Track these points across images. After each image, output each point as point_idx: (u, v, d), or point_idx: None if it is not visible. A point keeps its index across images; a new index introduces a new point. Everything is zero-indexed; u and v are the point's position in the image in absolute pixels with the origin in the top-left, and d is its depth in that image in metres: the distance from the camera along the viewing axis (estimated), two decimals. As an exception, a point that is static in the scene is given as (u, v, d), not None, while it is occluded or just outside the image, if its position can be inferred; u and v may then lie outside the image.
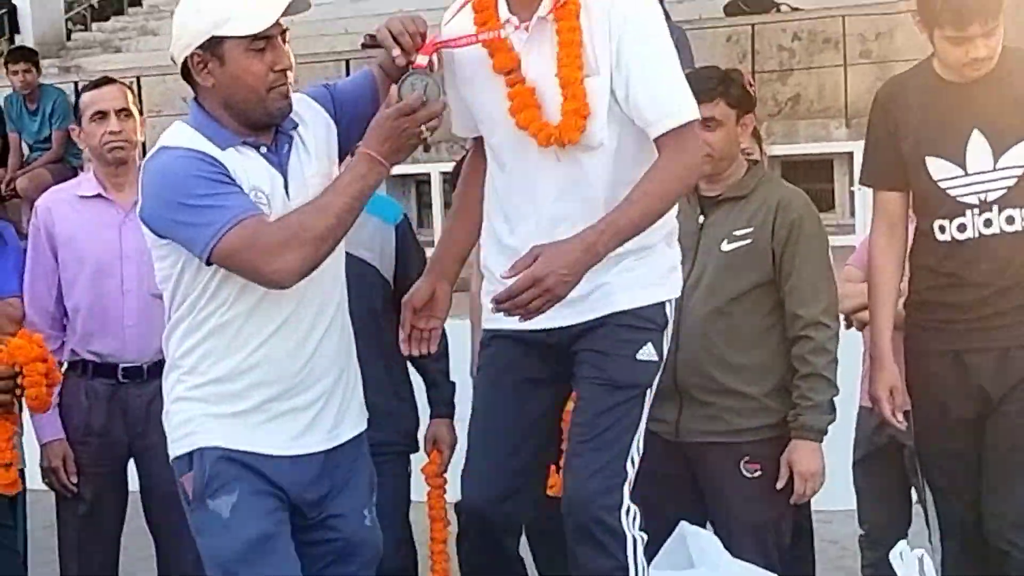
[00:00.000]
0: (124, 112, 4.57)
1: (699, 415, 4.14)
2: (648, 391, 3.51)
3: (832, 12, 15.34)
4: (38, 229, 4.59)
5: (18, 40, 22.79)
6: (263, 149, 3.38)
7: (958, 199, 4.01)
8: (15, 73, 10.79)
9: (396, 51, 3.34)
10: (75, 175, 9.77)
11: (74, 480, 4.56)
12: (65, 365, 4.55)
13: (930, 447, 4.23)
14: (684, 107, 3.38)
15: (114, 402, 4.51)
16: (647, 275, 3.49)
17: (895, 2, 15.49)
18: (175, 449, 3.49)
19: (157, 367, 4.29)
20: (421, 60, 3.33)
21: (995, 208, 3.98)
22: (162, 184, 3.29)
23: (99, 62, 22.71)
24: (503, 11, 3.45)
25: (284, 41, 3.37)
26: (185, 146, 3.31)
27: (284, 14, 3.31)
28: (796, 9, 16.64)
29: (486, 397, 3.67)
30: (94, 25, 26.36)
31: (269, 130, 3.40)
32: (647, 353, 3.48)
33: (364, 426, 3.64)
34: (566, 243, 3.24)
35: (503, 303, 3.22)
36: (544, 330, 3.44)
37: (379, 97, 3.50)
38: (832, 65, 15.04)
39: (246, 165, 3.34)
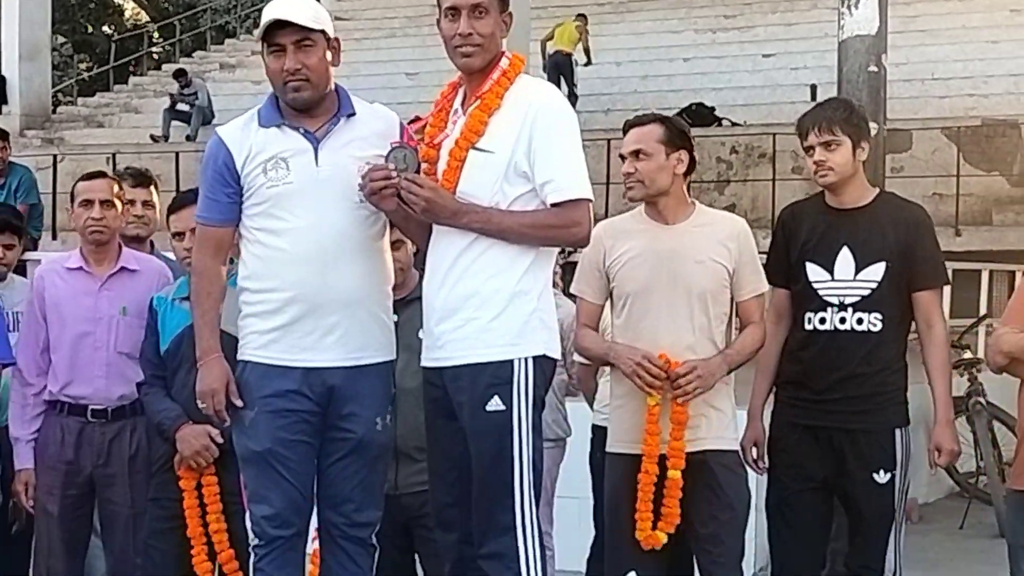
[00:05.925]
0: (107, 203, 5.36)
1: (414, 470, 4.83)
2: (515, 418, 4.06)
3: (768, 129, 16.20)
4: (33, 293, 5.45)
5: (4, 111, 23.08)
6: (302, 130, 4.31)
7: (823, 297, 4.99)
8: None
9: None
10: (35, 246, 10.60)
11: (31, 503, 5.35)
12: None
13: (780, 501, 5.11)
14: (577, 185, 4.09)
15: (81, 437, 5.30)
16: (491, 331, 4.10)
17: (827, 123, 16.46)
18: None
19: (119, 411, 5.29)
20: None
21: (850, 310, 4.95)
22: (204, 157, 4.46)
23: (81, 135, 23.24)
24: (457, 101, 4.24)
25: (305, 50, 4.23)
26: (223, 132, 4.38)
27: (281, 26, 4.22)
28: (736, 124, 17.69)
29: None
30: (79, 100, 26.88)
31: (316, 116, 4.32)
32: (495, 404, 4.06)
33: (390, 357, 4.42)
34: (453, 199, 4.07)
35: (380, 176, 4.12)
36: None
37: None
38: (765, 179, 15.85)
39: (278, 139, 4.30)
